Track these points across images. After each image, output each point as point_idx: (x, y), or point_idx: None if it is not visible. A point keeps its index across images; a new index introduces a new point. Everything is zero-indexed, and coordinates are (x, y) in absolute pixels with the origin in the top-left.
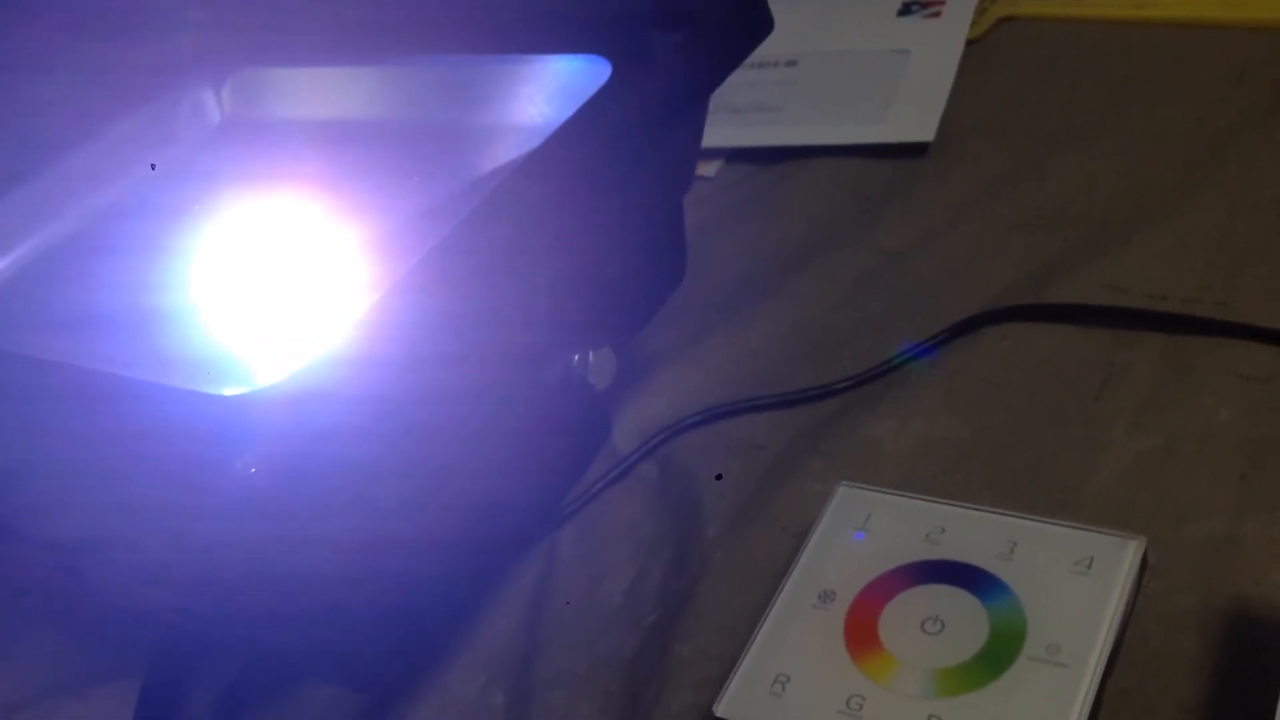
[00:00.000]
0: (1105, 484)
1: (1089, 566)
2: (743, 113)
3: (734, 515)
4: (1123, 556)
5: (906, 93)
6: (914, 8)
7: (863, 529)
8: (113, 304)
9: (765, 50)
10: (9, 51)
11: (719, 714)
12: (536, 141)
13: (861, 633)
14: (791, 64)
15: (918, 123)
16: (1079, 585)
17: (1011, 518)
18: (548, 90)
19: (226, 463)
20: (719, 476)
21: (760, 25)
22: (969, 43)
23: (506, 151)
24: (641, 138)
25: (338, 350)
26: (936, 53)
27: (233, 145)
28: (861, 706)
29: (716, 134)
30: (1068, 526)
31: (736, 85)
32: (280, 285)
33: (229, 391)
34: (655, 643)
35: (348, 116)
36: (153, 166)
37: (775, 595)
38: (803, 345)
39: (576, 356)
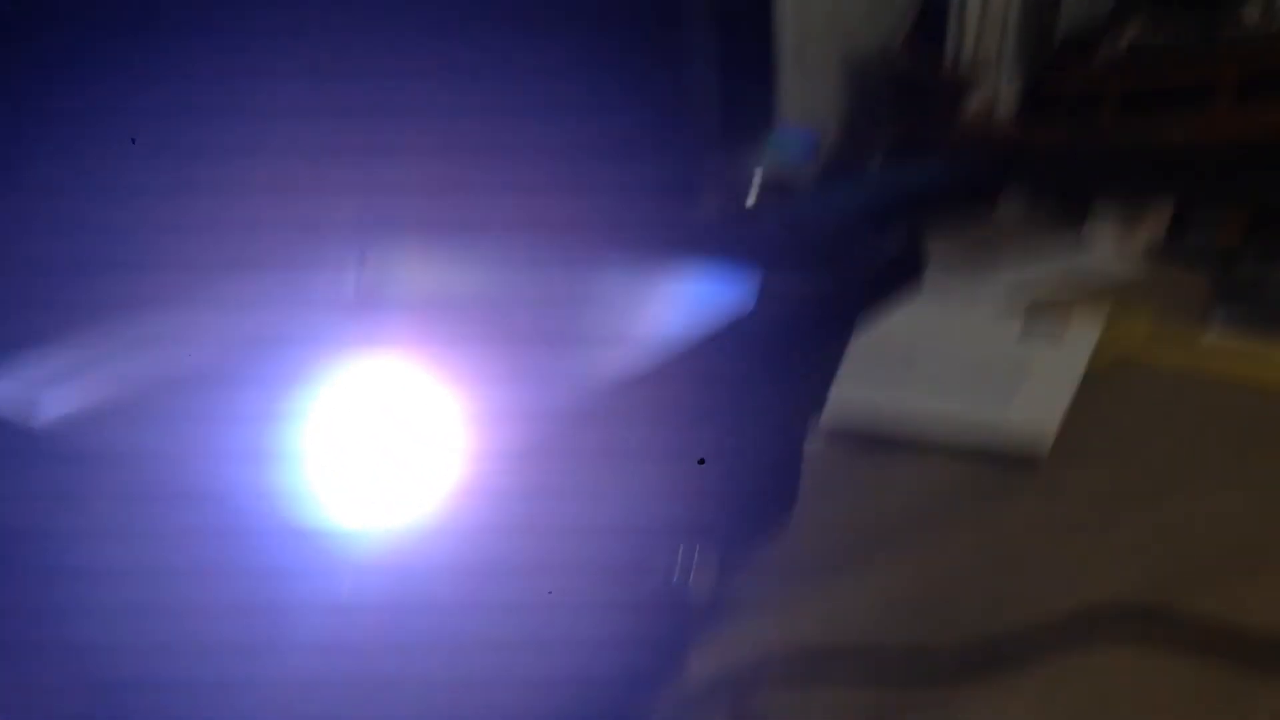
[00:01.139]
0: None
1: None
2: (855, 385)
3: None
4: None
5: (1022, 403)
6: (1036, 329)
7: None
8: (224, 433)
9: (885, 336)
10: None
11: None
12: (669, 347)
13: None
14: (910, 353)
15: (1033, 434)
16: None
17: None
18: (693, 290)
19: (316, 591)
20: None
21: (914, 271)
22: (1087, 373)
23: (640, 351)
24: (779, 353)
25: (437, 513)
26: (1055, 373)
27: (365, 310)
28: None
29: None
30: None
31: (851, 359)
32: (384, 442)
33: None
34: None
35: (487, 299)
36: (133, 140)
37: None
38: (897, 622)
39: (681, 556)
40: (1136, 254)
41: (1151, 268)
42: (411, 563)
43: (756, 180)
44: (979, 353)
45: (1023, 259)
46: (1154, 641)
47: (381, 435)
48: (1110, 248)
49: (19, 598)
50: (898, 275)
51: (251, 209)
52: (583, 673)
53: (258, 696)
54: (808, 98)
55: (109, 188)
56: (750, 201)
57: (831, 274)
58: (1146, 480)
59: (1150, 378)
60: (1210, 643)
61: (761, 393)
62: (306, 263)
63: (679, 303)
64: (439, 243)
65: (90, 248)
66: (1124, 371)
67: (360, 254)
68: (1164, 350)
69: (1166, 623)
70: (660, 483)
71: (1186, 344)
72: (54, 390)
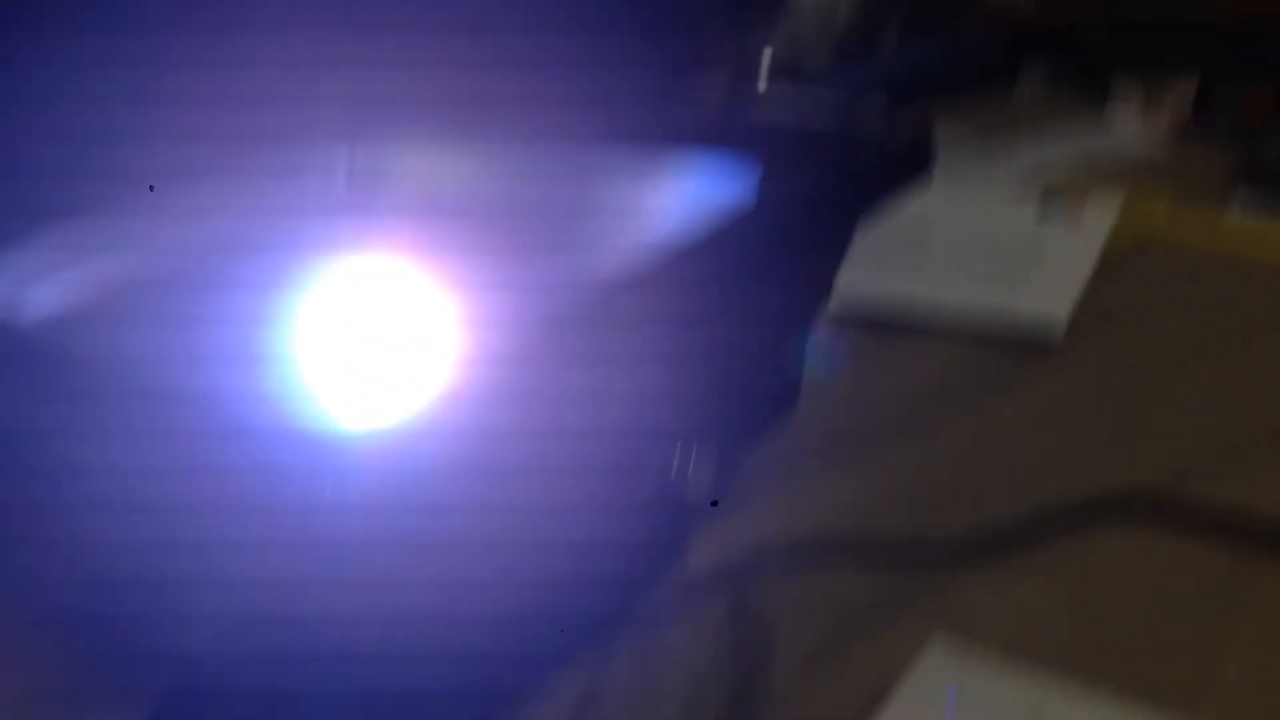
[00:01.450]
0: (1227, 697)
1: None
2: (865, 269)
3: (809, 661)
4: None
5: (1038, 285)
6: (1051, 212)
7: (954, 699)
8: (209, 334)
9: (897, 218)
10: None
11: None
12: (667, 244)
13: None
14: (922, 237)
15: (1047, 318)
16: None
17: (1124, 708)
18: (692, 186)
19: (316, 493)
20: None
21: (922, 164)
22: (1104, 256)
23: (638, 242)
24: (781, 248)
25: (436, 405)
26: (1071, 257)
27: (354, 210)
28: None
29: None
30: None
31: (861, 244)
32: (374, 343)
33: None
34: None
35: (483, 194)
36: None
37: None
38: (904, 502)
39: (678, 455)
40: (1158, 134)
41: (1173, 147)
42: (403, 464)
43: (766, 61)
44: (993, 236)
45: (1040, 140)
46: (1162, 527)
47: (373, 337)
48: (1131, 127)
49: (8, 494)
50: (906, 169)
51: (240, 117)
52: (579, 572)
53: (246, 594)
54: None
55: (97, 97)
56: (759, 83)
57: (838, 168)
58: (1161, 363)
59: (1169, 260)
60: (1219, 528)
61: (763, 290)
62: (296, 168)
63: (678, 199)
64: (430, 144)
65: (77, 154)
66: (1142, 254)
67: (350, 158)
68: (1184, 232)
69: (1175, 508)
70: (658, 383)
71: (1208, 225)
72: (40, 291)
